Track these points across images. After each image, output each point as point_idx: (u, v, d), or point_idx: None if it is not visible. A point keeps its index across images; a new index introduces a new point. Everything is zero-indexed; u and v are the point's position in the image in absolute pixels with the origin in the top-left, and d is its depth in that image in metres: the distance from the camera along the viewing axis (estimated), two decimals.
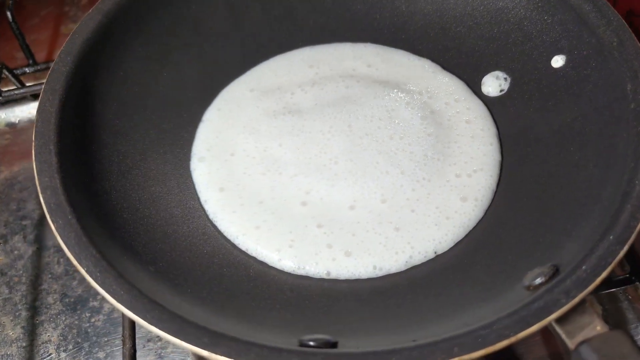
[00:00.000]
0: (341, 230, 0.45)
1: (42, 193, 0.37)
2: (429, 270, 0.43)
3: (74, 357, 0.48)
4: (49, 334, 0.49)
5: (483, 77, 0.53)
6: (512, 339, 0.32)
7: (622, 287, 0.47)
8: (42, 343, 0.49)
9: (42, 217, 0.55)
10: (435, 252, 0.44)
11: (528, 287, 0.36)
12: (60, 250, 0.52)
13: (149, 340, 0.48)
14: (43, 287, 0.51)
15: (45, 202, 0.37)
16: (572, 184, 0.42)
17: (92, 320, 0.49)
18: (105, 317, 0.49)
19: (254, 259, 0.44)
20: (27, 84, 0.62)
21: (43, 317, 0.50)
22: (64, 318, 0.50)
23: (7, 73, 0.60)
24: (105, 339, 0.48)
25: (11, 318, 0.50)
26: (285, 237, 0.45)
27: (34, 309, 0.50)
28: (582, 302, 0.33)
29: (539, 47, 0.49)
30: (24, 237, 0.54)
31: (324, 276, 0.43)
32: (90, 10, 0.47)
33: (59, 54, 0.44)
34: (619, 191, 0.37)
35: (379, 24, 0.56)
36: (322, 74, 0.55)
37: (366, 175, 0.48)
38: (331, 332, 0.36)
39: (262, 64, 0.56)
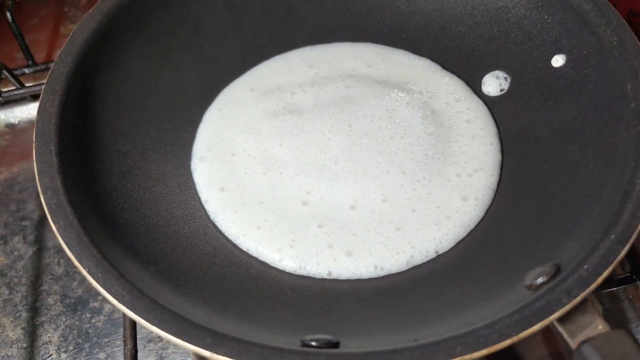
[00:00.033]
0: (342, 230, 0.45)
1: (43, 194, 0.37)
2: (430, 270, 0.43)
3: (74, 358, 0.48)
4: (50, 335, 0.49)
5: (483, 76, 0.53)
6: (514, 339, 0.32)
7: (623, 286, 0.47)
8: (43, 344, 0.48)
9: (42, 217, 0.55)
10: (436, 252, 0.44)
11: (529, 287, 0.36)
12: (60, 251, 0.52)
13: (149, 341, 0.48)
14: (43, 288, 0.51)
15: (46, 203, 0.37)
16: (572, 184, 0.42)
17: (93, 321, 0.49)
18: (106, 318, 0.49)
19: (255, 259, 0.44)
20: (27, 85, 0.62)
21: (43, 318, 0.50)
22: (64, 319, 0.49)
23: (6, 73, 0.60)
24: (106, 340, 0.48)
25: (11, 319, 0.50)
26: (286, 237, 0.45)
27: (35, 310, 0.50)
28: (584, 301, 0.33)
29: (539, 47, 0.49)
30: (24, 238, 0.54)
31: (325, 276, 0.43)
32: (90, 10, 0.47)
33: (59, 54, 0.44)
34: (619, 190, 0.37)
35: (379, 23, 0.56)
36: (322, 74, 0.55)
37: (367, 175, 0.48)
38: (333, 332, 0.36)
39: (262, 64, 0.55)
